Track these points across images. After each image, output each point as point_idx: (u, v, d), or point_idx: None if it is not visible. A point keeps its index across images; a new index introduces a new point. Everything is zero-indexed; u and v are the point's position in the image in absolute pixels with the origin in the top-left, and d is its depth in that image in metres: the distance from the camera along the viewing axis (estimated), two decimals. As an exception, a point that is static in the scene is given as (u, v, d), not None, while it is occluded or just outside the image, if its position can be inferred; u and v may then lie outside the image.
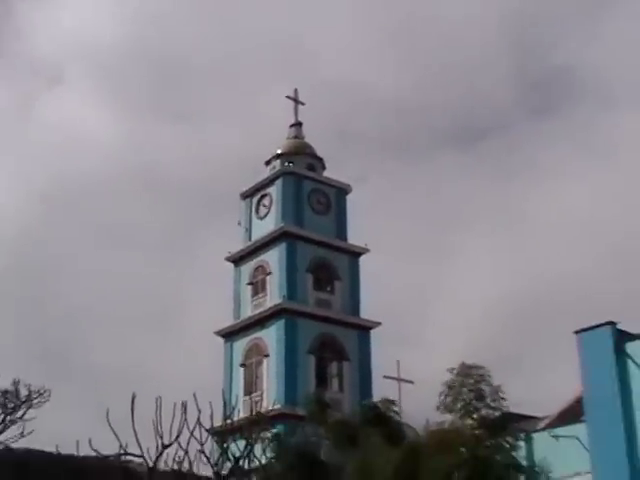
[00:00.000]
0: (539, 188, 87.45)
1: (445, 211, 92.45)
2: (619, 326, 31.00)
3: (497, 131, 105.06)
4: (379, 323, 48.33)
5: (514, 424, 28.15)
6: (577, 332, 31.41)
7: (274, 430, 31.92)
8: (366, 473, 24.77)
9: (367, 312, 48.87)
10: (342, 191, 51.87)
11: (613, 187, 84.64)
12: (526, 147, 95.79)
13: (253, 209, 51.37)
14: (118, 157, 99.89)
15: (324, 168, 52.93)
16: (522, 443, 29.10)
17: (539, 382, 65.28)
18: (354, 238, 50.68)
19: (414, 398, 36.81)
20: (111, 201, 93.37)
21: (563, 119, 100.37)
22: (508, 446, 26.03)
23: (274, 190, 50.39)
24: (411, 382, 41.20)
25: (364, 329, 48.15)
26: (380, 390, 38.91)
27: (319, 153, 53.40)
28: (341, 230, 50.86)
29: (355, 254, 50.07)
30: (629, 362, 30.11)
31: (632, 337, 30.80)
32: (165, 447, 26.42)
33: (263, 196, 51.07)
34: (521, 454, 27.15)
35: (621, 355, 30.26)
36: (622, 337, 30.72)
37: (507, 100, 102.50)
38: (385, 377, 41.74)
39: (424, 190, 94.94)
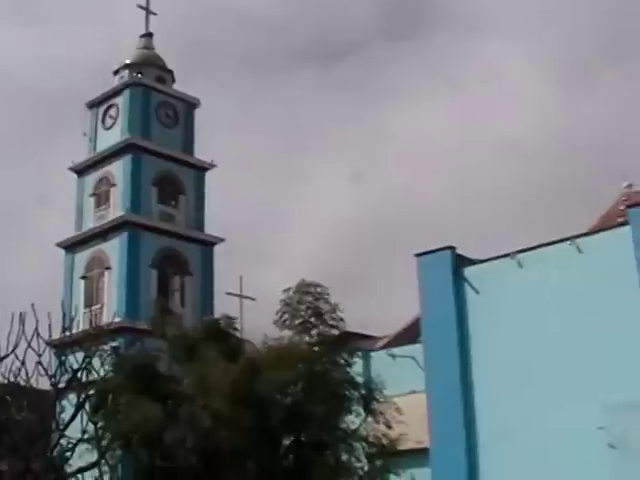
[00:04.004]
0: (396, 111, 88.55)
1: (301, 130, 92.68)
2: (458, 251, 31.87)
3: (358, 53, 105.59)
4: (223, 239, 48.44)
5: (352, 343, 28.76)
6: (417, 255, 32.14)
7: (114, 343, 31.84)
8: (204, 386, 25.02)
9: (212, 228, 48.93)
10: (191, 105, 51.38)
11: (467, 115, 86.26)
12: (386, 70, 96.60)
13: (99, 119, 50.45)
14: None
15: (174, 81, 52.25)
16: (359, 361, 29.79)
17: (381, 303, 66.71)
18: (202, 153, 50.45)
19: (257, 314, 37.25)
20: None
21: (424, 44, 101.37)
22: (344, 363, 26.62)
23: (121, 101, 49.56)
24: (253, 299, 41.72)
25: (208, 245, 48.21)
26: (222, 306, 39.25)
27: (170, 66, 52.66)
28: (188, 144, 50.50)
29: (201, 169, 49.85)
30: (466, 286, 30.96)
31: (470, 262, 31.67)
32: (1, 359, 26.15)
33: (110, 106, 50.18)
34: (358, 371, 27.79)
35: (459, 279, 31.08)
36: (461, 262, 31.58)
37: (370, 22, 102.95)
38: (227, 293, 42.11)
39: (280, 108, 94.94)
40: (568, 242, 28.92)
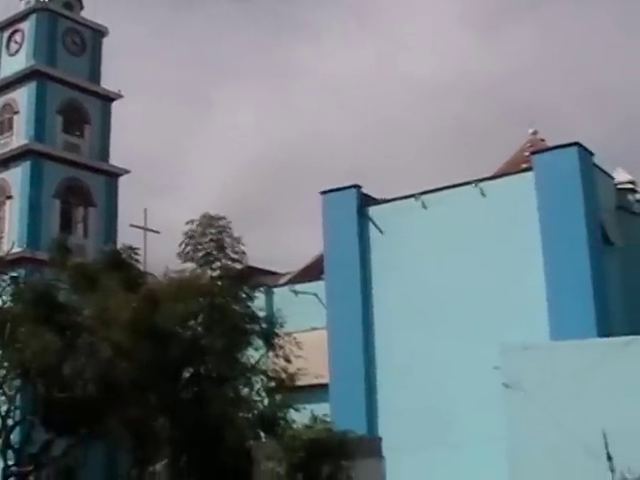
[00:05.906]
0: (309, 45, 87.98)
1: (212, 61, 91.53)
2: (364, 190, 32.01)
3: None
4: (128, 171, 47.76)
5: (255, 278, 28.79)
6: (322, 193, 32.22)
7: (13, 273, 31.33)
8: (104, 317, 24.81)
9: (117, 159, 48.21)
10: (99, 33, 50.23)
11: (380, 52, 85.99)
12: (300, 3, 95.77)
13: (3, 45, 49.04)
14: None
15: (82, 8, 50.99)
16: (262, 296, 29.85)
17: (286, 240, 66.88)
18: (109, 83, 49.53)
19: (162, 247, 37.03)
20: None
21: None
22: (246, 297, 26.64)
23: (27, 26, 48.19)
24: (157, 232, 41.36)
25: (112, 176, 47.45)
26: (126, 239, 38.68)
27: (78, -9, 51.44)
28: (95, 73, 49.42)
29: (107, 99, 48.92)
30: (371, 225, 31.21)
31: (375, 201, 31.88)
32: None
33: (15, 32, 48.79)
34: (260, 306, 27.84)
35: (363, 218, 31.30)
36: (366, 201, 31.75)
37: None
38: (131, 226, 41.67)
39: (191, 38, 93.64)
40: (472, 185, 29.29)
